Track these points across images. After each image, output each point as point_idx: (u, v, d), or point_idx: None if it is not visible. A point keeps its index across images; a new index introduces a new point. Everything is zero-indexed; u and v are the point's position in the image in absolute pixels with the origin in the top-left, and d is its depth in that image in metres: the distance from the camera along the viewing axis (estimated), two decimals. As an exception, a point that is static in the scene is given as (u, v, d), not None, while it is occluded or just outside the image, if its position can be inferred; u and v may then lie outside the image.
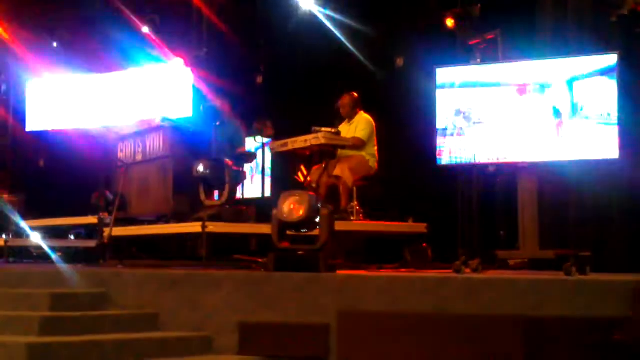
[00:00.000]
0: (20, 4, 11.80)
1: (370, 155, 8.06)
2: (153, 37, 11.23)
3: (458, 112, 6.55)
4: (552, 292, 4.84)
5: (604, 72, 6.11)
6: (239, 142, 8.67)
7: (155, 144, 8.27)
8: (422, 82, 7.47)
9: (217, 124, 8.29)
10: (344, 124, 8.23)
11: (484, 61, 8.20)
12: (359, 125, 8.10)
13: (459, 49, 8.86)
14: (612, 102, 6.07)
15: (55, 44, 11.93)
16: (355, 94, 8.30)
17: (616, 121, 6.04)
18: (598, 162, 6.37)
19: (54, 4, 11.91)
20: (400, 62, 9.60)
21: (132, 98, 11.29)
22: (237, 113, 8.87)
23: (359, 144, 7.99)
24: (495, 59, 8.13)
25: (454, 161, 6.65)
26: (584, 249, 6.12)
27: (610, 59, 6.15)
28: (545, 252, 6.36)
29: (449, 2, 8.79)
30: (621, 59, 6.20)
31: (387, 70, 9.71)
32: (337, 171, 7.82)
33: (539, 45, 8.01)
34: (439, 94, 6.63)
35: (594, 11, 7.61)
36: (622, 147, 6.10)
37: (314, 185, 7.71)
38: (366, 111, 8.31)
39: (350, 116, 8.22)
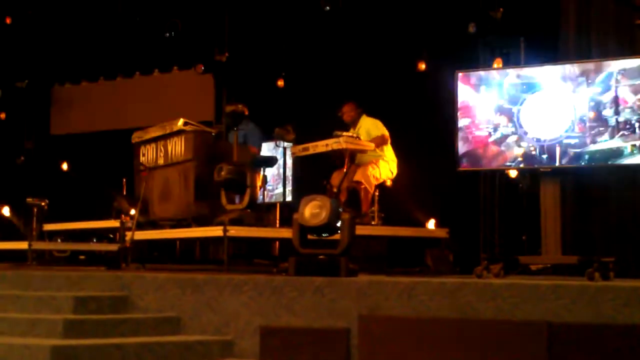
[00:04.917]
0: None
1: (390, 159, 8.03)
2: (175, 41, 11.28)
3: (480, 116, 6.53)
4: (574, 298, 4.79)
5: (628, 76, 6.06)
6: (254, 144, 8.66)
7: (177, 148, 8.30)
8: (444, 86, 7.45)
9: (235, 128, 8.31)
10: (350, 131, 8.22)
11: (506, 65, 8.17)
12: (370, 127, 8.11)
13: (481, 53, 8.84)
14: (636, 106, 6.02)
15: (79, 48, 12.03)
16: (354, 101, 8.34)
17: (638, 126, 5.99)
18: (622, 167, 6.31)
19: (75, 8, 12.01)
20: (422, 66, 9.59)
21: (154, 102, 11.37)
22: (253, 115, 8.86)
23: (381, 143, 7.96)
24: (517, 63, 8.10)
25: (475, 166, 6.63)
26: (607, 255, 6.07)
27: (634, 63, 6.10)
28: (568, 258, 6.31)
29: (472, 6, 8.77)
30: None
31: (408, 74, 9.70)
32: (357, 176, 7.81)
33: (562, 48, 7.97)
34: (460, 98, 6.60)
35: (617, 15, 7.56)
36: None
37: (335, 189, 7.70)
38: (387, 115, 8.31)
39: (355, 121, 8.25)
